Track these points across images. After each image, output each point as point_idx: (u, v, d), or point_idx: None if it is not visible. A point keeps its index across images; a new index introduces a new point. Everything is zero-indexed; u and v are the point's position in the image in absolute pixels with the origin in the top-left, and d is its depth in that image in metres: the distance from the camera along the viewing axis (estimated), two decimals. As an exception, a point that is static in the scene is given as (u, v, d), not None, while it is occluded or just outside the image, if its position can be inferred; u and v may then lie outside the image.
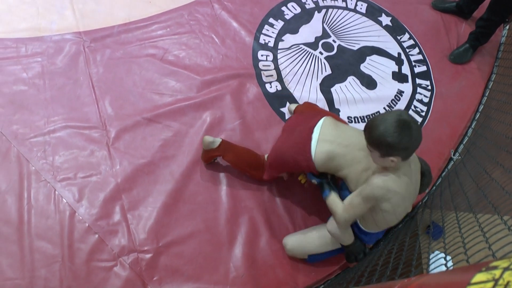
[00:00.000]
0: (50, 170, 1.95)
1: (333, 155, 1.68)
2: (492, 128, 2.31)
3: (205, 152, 2.00)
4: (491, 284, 0.52)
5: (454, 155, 2.47)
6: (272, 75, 2.41)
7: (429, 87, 2.66)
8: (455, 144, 2.49)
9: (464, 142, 2.52)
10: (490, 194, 1.73)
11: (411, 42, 2.83)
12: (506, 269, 0.54)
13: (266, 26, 2.61)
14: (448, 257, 1.64)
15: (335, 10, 2.84)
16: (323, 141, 1.71)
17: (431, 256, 1.71)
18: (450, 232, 1.83)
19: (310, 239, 1.86)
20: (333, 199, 1.70)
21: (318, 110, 2.14)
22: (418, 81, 2.66)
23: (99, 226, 1.85)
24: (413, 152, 1.46)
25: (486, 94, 2.72)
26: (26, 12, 2.35)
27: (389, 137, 1.36)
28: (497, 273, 0.54)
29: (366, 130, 1.45)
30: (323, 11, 2.80)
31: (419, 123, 2.48)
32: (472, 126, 2.58)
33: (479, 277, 0.56)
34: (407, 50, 2.79)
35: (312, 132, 1.73)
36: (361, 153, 1.66)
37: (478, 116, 2.63)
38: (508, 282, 0.51)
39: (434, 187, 2.33)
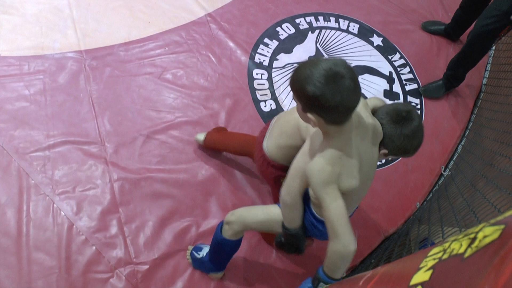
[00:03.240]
0: (49, 183, 2.00)
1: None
2: (480, 144, 2.39)
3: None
4: (441, 253, 0.62)
5: (444, 171, 2.54)
6: (266, 94, 2.49)
7: (419, 106, 2.74)
8: (446, 160, 2.55)
9: (454, 158, 2.59)
10: (478, 205, 1.79)
11: (402, 61, 2.92)
12: (453, 241, 0.63)
13: (261, 46, 2.70)
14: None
15: (328, 30, 2.94)
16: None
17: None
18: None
19: (253, 212, 1.58)
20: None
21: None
22: (409, 98, 2.74)
23: (97, 239, 1.89)
24: (343, 117, 1.11)
25: (475, 112, 2.80)
26: (30, 31, 2.44)
27: (308, 84, 1.05)
28: (446, 244, 0.64)
29: (293, 71, 1.14)
30: (317, 31, 2.90)
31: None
32: (462, 143, 2.65)
33: (433, 250, 0.66)
34: (398, 69, 2.88)
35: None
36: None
37: (467, 133, 2.71)
38: (453, 249, 0.61)
39: (425, 202, 2.39)
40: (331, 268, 1.23)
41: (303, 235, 1.48)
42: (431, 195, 2.44)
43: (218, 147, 2.15)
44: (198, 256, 1.83)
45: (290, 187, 1.37)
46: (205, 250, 1.82)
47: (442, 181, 2.49)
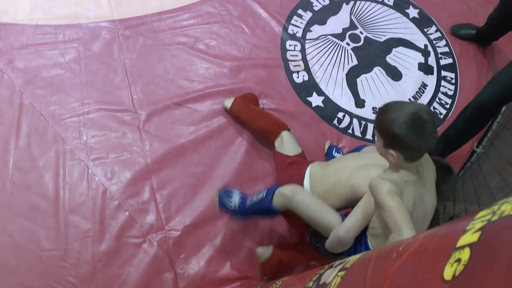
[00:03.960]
0: (84, 149, 2.04)
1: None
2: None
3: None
4: (490, 215, 0.59)
5: (477, 147, 2.45)
6: (299, 65, 2.45)
7: (454, 80, 2.64)
8: (479, 137, 2.46)
9: (488, 135, 2.49)
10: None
11: (438, 34, 2.82)
12: (503, 203, 0.60)
13: (295, 17, 2.64)
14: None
15: (363, 2, 2.85)
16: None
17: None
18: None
19: (313, 206, 1.55)
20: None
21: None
22: (443, 73, 2.65)
23: (129, 204, 1.93)
24: (419, 156, 1.28)
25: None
26: (64, 0, 2.46)
27: (396, 127, 1.21)
28: (496, 207, 0.60)
29: (378, 112, 1.31)
30: (351, 3, 2.82)
31: (443, 115, 2.47)
32: (498, 119, 2.55)
33: (481, 213, 0.63)
34: (434, 42, 2.77)
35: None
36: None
37: (503, 109, 2.60)
38: (503, 211, 0.57)
39: (457, 178, 2.32)
40: None
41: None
42: (462, 171, 2.37)
43: (242, 119, 2.13)
44: (230, 204, 1.71)
45: (351, 227, 1.38)
46: (235, 197, 1.71)
47: (474, 158, 2.41)
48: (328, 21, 2.68)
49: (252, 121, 2.08)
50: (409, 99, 2.47)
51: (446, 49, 2.76)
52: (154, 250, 1.85)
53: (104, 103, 2.16)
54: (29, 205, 1.88)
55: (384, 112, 1.27)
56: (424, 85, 2.56)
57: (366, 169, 1.55)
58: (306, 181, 1.72)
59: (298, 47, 2.52)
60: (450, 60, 2.72)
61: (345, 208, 1.58)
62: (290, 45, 2.51)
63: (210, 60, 2.36)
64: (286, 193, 1.59)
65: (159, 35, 2.41)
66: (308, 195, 1.61)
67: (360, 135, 2.29)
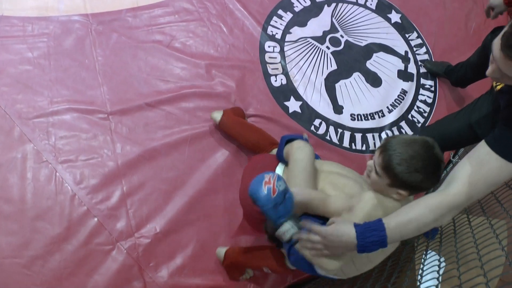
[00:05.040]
0: (52, 151, 1.96)
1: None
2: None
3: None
4: None
5: (453, 157, 2.48)
6: (277, 68, 2.41)
7: (433, 88, 2.65)
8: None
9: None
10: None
11: (419, 41, 2.81)
12: None
13: (275, 18, 2.59)
14: (442, 258, 1.67)
15: (345, 4, 2.82)
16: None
17: (425, 256, 1.74)
18: (446, 233, 1.86)
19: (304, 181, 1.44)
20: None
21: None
22: (422, 81, 2.65)
23: (98, 210, 1.87)
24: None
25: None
26: (33, -8, 2.34)
27: (407, 174, 1.22)
28: None
29: (387, 153, 1.25)
30: (333, 5, 2.78)
31: (421, 124, 2.48)
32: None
33: None
34: (414, 49, 2.77)
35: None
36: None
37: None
38: None
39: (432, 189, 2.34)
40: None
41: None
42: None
43: (232, 133, 2.06)
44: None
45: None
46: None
47: (449, 167, 2.44)
48: (309, 23, 2.64)
49: (243, 136, 2.01)
50: (387, 107, 2.46)
51: (426, 57, 2.76)
52: (123, 257, 1.80)
53: (74, 102, 2.08)
54: (-9, 208, 1.80)
55: (390, 154, 1.24)
56: (403, 92, 2.55)
57: (345, 178, 1.47)
58: (279, 168, 1.60)
59: (277, 49, 2.47)
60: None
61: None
62: (269, 47, 2.47)
63: (186, 60, 2.29)
64: (299, 144, 1.53)
65: (134, 32, 2.33)
66: (309, 162, 1.49)
67: (338, 143, 2.27)
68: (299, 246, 1.32)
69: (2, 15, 2.21)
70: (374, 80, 2.53)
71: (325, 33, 2.63)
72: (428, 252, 1.77)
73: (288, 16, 2.63)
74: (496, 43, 1.10)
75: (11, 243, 1.74)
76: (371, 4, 2.87)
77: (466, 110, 1.91)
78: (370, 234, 1.15)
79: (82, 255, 1.78)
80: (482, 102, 1.84)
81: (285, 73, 2.40)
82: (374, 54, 2.63)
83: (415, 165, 1.21)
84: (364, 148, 2.30)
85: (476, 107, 1.85)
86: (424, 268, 1.60)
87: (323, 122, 2.30)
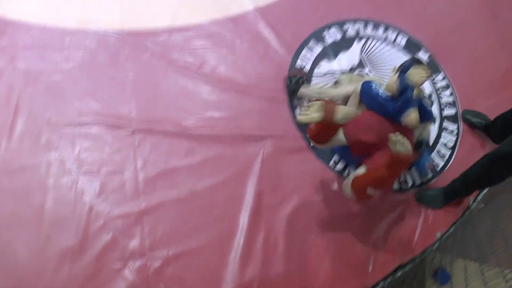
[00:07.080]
0: (76, 161, 2.00)
1: None
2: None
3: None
4: None
5: (472, 203, 2.44)
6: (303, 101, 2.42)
7: (455, 132, 2.63)
8: (476, 193, 2.45)
9: (484, 192, 2.48)
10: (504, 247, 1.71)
11: (445, 82, 2.80)
12: None
13: (305, 49, 2.62)
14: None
15: (374, 41, 2.83)
16: None
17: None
18: (458, 280, 1.83)
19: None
20: None
21: None
22: (444, 124, 2.63)
23: (114, 225, 1.89)
24: None
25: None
26: (75, 3, 2.42)
27: None
28: None
29: None
30: (363, 40, 2.80)
31: (440, 167, 2.46)
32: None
33: None
34: (439, 92, 2.76)
35: None
36: None
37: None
38: None
39: (446, 234, 2.31)
40: None
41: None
42: (453, 227, 2.35)
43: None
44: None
45: None
46: None
47: (467, 212, 2.40)
48: (338, 57, 2.66)
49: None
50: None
51: (451, 99, 2.74)
52: (133, 277, 1.81)
53: (102, 116, 2.12)
54: (9, 211, 1.84)
55: None
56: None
57: None
58: None
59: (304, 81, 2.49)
60: (453, 111, 2.70)
61: None
62: (296, 79, 2.48)
63: (215, 85, 2.33)
64: None
65: (167, 52, 2.38)
66: None
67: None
68: None
69: (44, 26, 2.28)
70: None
71: (353, 69, 2.64)
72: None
73: (318, 48, 2.65)
74: None
75: (27, 248, 1.78)
76: (400, 42, 2.87)
77: None
78: None
79: (92, 270, 1.80)
80: None
81: (310, 105, 2.41)
82: (400, 94, 2.62)
83: None
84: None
85: None
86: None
87: (342, 159, 2.30)
